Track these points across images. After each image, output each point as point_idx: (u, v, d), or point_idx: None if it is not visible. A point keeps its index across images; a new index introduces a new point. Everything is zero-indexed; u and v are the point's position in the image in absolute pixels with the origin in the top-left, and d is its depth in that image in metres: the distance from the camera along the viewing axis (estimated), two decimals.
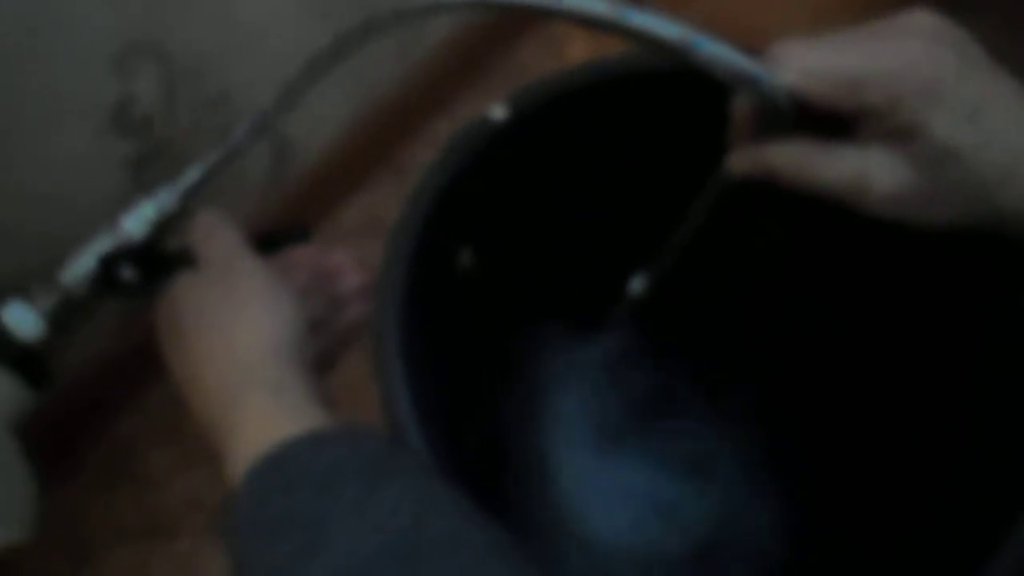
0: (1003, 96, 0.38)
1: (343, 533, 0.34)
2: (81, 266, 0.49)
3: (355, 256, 0.53)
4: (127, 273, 0.49)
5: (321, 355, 0.49)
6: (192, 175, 0.50)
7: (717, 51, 0.39)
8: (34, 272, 0.50)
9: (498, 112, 0.49)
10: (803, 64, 0.39)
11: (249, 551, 0.36)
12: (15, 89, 0.67)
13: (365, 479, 0.36)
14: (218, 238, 0.48)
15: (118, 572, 0.91)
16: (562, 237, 0.58)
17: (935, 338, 0.52)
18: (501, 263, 0.55)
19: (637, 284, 0.56)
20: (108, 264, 0.49)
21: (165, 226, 0.50)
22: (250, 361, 0.44)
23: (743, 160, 0.42)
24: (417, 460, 0.40)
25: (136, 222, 0.50)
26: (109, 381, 0.92)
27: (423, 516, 0.35)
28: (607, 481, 0.61)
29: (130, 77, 0.74)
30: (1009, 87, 0.39)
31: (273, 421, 0.41)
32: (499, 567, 0.34)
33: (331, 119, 1.03)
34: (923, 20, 0.39)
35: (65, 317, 0.50)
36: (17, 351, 0.49)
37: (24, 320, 0.49)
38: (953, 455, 0.49)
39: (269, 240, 0.52)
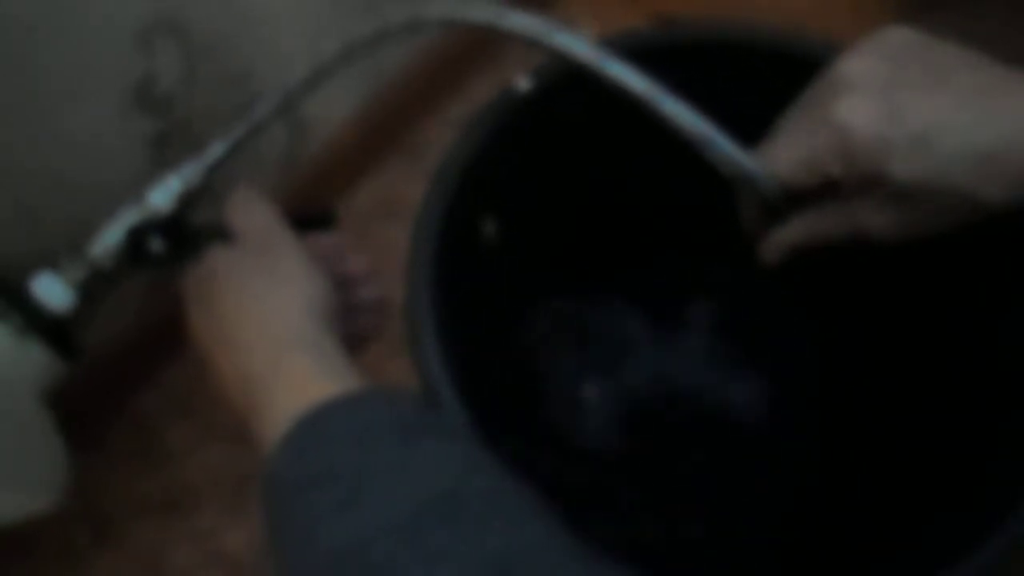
0: (953, 105, 0.40)
1: (384, 488, 0.35)
2: (109, 238, 0.50)
3: (370, 265, 0.54)
4: (155, 245, 0.50)
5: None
6: (216, 150, 0.51)
7: (728, 150, 0.45)
8: (57, 250, 0.51)
9: (523, 84, 0.50)
10: (772, 164, 0.44)
11: (286, 504, 0.37)
12: (37, 67, 0.67)
13: (404, 437, 0.37)
14: (256, 213, 0.49)
15: (138, 546, 0.92)
16: (583, 209, 0.58)
17: (959, 319, 0.53)
18: (523, 234, 0.56)
19: (698, 311, 0.62)
20: (136, 236, 0.50)
21: (190, 200, 0.51)
22: (290, 322, 0.45)
23: (771, 252, 0.49)
24: (445, 424, 0.41)
25: (163, 195, 0.51)
26: (129, 358, 0.93)
27: (463, 475, 0.36)
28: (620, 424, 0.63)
29: (152, 55, 0.75)
30: (960, 89, 0.40)
31: (314, 380, 0.41)
32: (536, 525, 0.35)
33: (344, 101, 1.03)
34: (850, 69, 0.42)
35: (94, 289, 0.50)
36: (47, 322, 0.50)
37: (54, 292, 0.50)
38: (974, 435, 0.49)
39: (295, 222, 0.52)
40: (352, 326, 0.51)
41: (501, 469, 0.38)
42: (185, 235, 0.50)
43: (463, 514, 0.34)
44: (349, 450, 0.37)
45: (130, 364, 0.95)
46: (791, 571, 0.53)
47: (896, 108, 0.40)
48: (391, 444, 0.37)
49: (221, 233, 0.50)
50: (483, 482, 0.36)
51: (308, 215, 0.54)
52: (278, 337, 0.44)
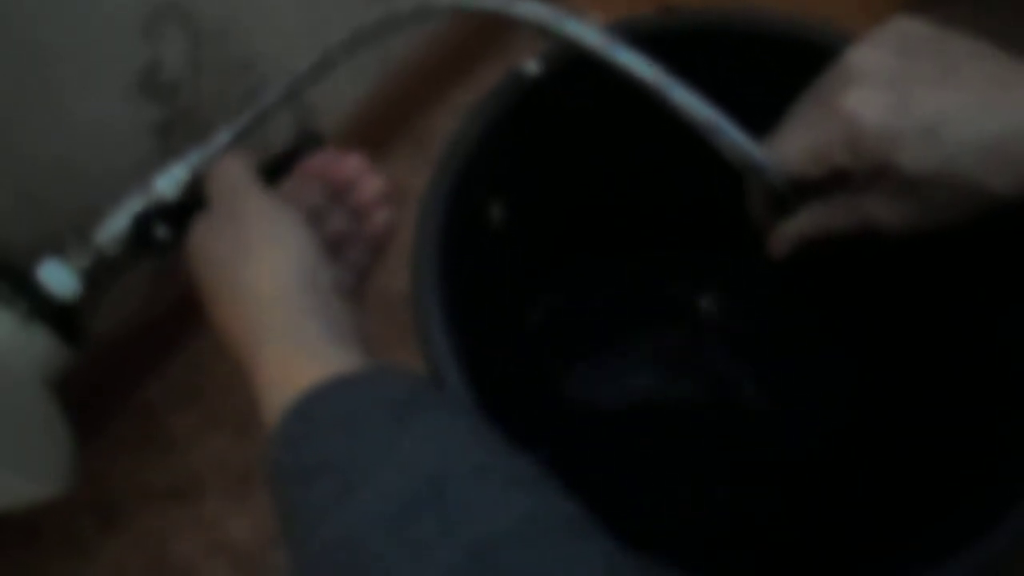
0: (962, 96, 0.39)
1: (374, 476, 0.35)
2: (115, 225, 0.50)
3: (367, 160, 0.51)
4: (160, 232, 0.50)
5: (353, 269, 0.49)
6: (222, 137, 0.51)
7: (737, 140, 0.45)
8: (62, 236, 0.51)
9: (532, 67, 0.50)
10: (781, 155, 0.44)
11: (288, 497, 0.37)
12: (42, 53, 0.67)
13: (396, 416, 0.37)
14: (222, 173, 0.48)
15: (143, 534, 0.92)
16: (590, 193, 0.58)
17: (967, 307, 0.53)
18: (529, 220, 0.56)
19: (707, 303, 0.61)
20: (141, 223, 0.50)
21: (196, 187, 0.51)
22: (260, 307, 0.43)
23: (780, 244, 0.49)
24: (440, 396, 0.41)
25: (168, 183, 0.51)
26: (134, 346, 0.93)
27: (454, 452, 0.36)
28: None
29: (157, 41, 0.74)
30: (969, 80, 0.40)
31: (292, 369, 0.40)
32: (525, 500, 0.35)
33: (351, 88, 1.03)
34: (859, 60, 0.42)
35: (99, 276, 0.51)
36: (54, 308, 0.50)
37: (60, 278, 0.50)
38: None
39: (282, 160, 0.51)
40: (363, 232, 0.50)
41: (493, 440, 0.38)
42: (189, 221, 0.50)
43: (451, 497, 0.34)
44: (340, 437, 0.36)
45: (135, 352, 0.95)
46: (792, 570, 0.53)
47: (905, 99, 0.40)
48: (382, 426, 0.37)
49: (202, 203, 0.49)
50: (475, 456, 0.36)
51: (294, 148, 0.52)
52: (252, 326, 0.43)
